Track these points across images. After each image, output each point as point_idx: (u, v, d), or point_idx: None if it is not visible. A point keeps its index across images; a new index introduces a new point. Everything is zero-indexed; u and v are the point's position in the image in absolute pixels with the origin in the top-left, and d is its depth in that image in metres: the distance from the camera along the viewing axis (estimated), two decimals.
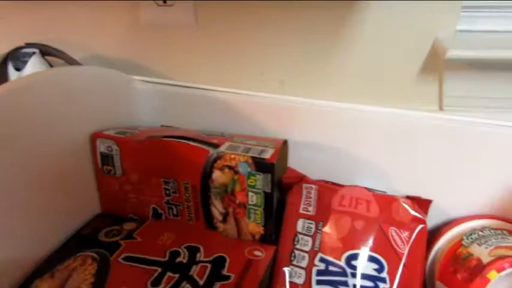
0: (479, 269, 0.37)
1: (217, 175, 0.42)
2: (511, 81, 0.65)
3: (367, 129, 0.47)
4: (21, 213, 0.40)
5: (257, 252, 0.41)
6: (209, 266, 0.39)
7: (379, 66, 0.70)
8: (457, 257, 0.41)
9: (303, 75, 0.71)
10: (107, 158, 0.46)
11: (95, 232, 0.45)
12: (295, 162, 0.49)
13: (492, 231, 0.41)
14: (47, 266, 0.41)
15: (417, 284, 0.42)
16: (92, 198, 0.49)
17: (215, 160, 0.41)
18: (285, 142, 0.47)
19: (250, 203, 0.42)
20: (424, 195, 0.45)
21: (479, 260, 0.38)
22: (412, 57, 0.69)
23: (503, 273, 0.36)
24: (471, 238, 0.41)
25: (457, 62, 0.63)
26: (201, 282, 0.37)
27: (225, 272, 0.38)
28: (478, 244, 0.40)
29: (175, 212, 0.46)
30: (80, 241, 0.44)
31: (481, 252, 0.38)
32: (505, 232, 0.41)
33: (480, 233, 0.41)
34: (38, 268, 0.41)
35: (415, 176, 0.47)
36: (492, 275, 0.36)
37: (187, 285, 0.37)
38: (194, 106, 0.52)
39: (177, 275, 0.38)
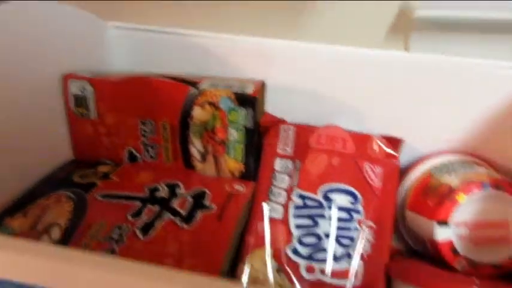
0: (448, 193, 0.39)
1: (197, 112, 0.41)
2: (479, 43, 0.68)
3: (342, 70, 0.48)
4: None
5: (238, 187, 0.41)
6: (190, 198, 0.39)
7: (345, 26, 0.72)
8: (427, 187, 0.43)
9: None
10: (80, 100, 0.44)
11: (68, 175, 0.44)
12: (272, 106, 0.50)
13: (460, 163, 0.43)
14: (17, 205, 0.39)
15: (389, 215, 0.44)
16: (64, 142, 0.47)
17: (196, 97, 0.41)
18: (263, 84, 0.47)
19: (230, 139, 0.42)
20: (396, 135, 0.47)
21: (448, 186, 0.40)
22: (379, 17, 0.70)
23: (471, 195, 0.38)
24: (440, 170, 0.43)
25: (425, 22, 0.65)
26: (184, 213, 0.37)
27: (206, 203, 0.38)
28: (448, 174, 0.42)
29: (152, 154, 0.45)
30: (52, 183, 0.43)
31: (451, 180, 0.40)
32: (472, 163, 0.43)
33: (449, 165, 0.43)
34: (7, 208, 0.39)
35: (388, 116, 0.48)
36: (461, 197, 0.38)
37: (169, 215, 0.37)
38: (169, 51, 0.51)
39: (157, 208, 0.38)
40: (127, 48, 0.52)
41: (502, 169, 0.45)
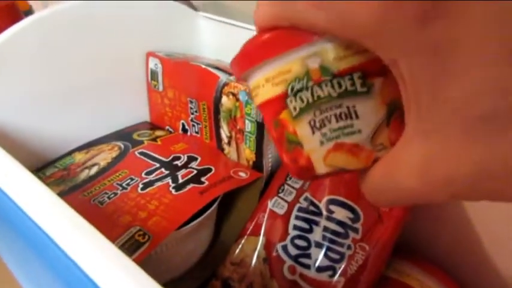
0: None
1: (224, 100, 0.47)
2: None
3: None
4: (80, 105, 0.51)
5: (241, 173, 0.46)
6: (195, 171, 0.45)
7: None
8: None
9: None
10: (154, 74, 0.55)
11: (133, 132, 0.55)
12: None
13: None
14: (88, 144, 0.52)
15: (387, 243, 0.42)
16: (142, 107, 0.59)
17: (223, 86, 0.46)
18: None
19: (246, 129, 0.46)
20: None
21: None
22: None
23: None
24: None
25: None
26: (180, 181, 0.44)
27: (203, 179, 0.44)
28: None
29: (196, 130, 0.53)
30: (119, 135, 0.54)
31: None
32: None
33: None
34: (82, 145, 0.52)
35: None
36: None
37: (169, 179, 0.44)
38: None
39: (167, 172, 0.45)
40: (213, 40, 0.60)
41: None
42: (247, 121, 0.45)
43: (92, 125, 0.54)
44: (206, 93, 0.48)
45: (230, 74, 0.48)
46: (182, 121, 0.54)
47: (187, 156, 0.48)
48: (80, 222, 0.27)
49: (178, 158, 0.48)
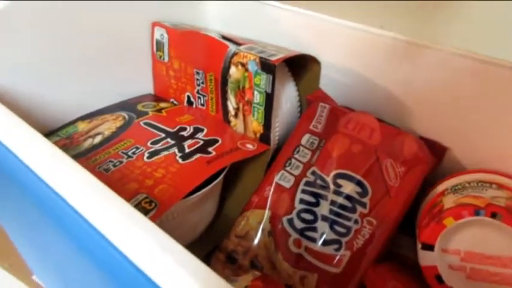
0: (437, 215, 0.35)
1: (233, 70, 0.46)
2: None
3: (403, 59, 0.45)
4: (83, 75, 0.50)
5: (249, 145, 0.45)
6: (201, 142, 0.44)
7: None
8: (432, 204, 0.39)
9: None
10: (159, 44, 0.53)
11: (137, 103, 0.54)
12: (327, 85, 0.50)
13: (480, 183, 0.37)
14: (91, 114, 0.51)
15: (395, 217, 0.41)
16: (147, 79, 0.58)
17: (232, 56, 0.45)
18: (317, 62, 0.48)
19: (255, 101, 0.45)
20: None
21: (441, 207, 0.36)
22: None
23: (461, 221, 0.34)
24: (455, 188, 0.38)
25: None
26: (187, 150, 0.43)
27: (210, 149, 0.43)
28: (454, 193, 0.37)
29: (202, 102, 0.52)
30: (123, 105, 0.53)
31: (448, 200, 0.36)
32: (493, 185, 0.37)
33: (467, 184, 0.38)
34: (85, 114, 0.51)
35: (441, 121, 0.44)
36: (449, 221, 0.34)
37: (175, 149, 0.43)
38: (250, 16, 0.55)
39: (173, 142, 0.44)
40: (216, 9, 0.59)
41: None
42: (256, 92, 0.45)
43: (95, 95, 0.53)
44: (214, 63, 0.47)
45: (239, 44, 0.47)
46: (187, 93, 0.53)
47: (193, 128, 0.47)
48: (95, 183, 0.27)
49: (184, 129, 0.47)
